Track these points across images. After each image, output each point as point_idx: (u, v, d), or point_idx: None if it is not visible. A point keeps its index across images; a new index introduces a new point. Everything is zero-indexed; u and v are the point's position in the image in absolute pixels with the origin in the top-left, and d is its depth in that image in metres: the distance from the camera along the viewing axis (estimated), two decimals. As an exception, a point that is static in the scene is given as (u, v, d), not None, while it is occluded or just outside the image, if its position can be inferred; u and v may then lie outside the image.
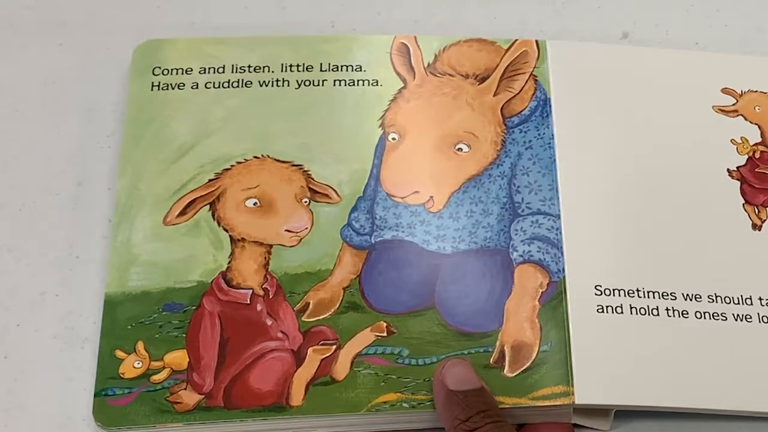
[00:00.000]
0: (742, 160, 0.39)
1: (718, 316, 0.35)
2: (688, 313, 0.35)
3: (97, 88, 0.42)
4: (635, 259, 0.36)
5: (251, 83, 0.40)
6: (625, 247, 0.36)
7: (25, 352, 0.35)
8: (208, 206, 0.36)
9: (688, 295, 0.35)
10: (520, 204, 0.37)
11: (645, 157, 0.39)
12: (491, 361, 0.33)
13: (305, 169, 0.37)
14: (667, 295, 0.35)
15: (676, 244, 0.37)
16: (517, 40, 0.41)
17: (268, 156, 0.38)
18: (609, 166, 0.38)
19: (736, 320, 0.35)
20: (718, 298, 0.35)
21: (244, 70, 0.40)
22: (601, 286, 0.35)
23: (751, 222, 0.38)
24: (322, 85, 0.40)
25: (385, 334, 0.34)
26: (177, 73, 0.39)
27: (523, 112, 0.39)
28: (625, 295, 0.35)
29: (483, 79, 0.40)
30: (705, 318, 0.35)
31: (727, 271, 0.36)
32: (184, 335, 0.33)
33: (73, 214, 0.38)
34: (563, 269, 0.35)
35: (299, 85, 0.40)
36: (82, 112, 0.41)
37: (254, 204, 0.36)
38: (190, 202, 0.36)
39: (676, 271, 0.36)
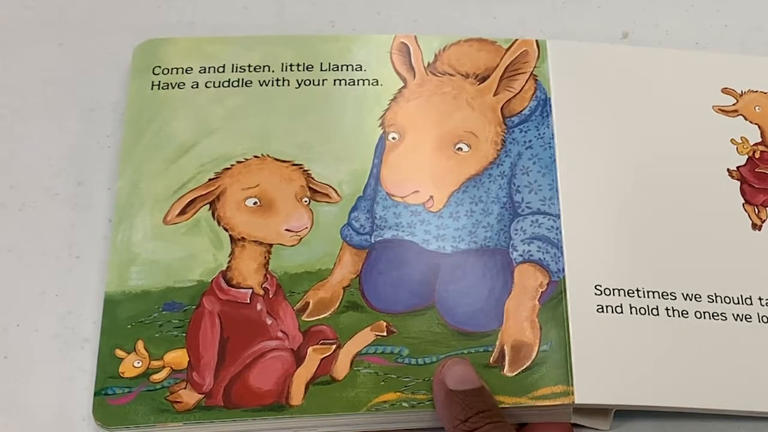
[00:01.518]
0: (742, 160, 0.39)
1: (718, 316, 0.35)
2: (688, 313, 0.35)
3: (97, 88, 0.42)
4: (635, 259, 0.36)
5: (251, 83, 0.40)
6: (625, 247, 0.36)
7: (25, 352, 0.35)
8: (208, 205, 0.36)
9: (688, 295, 0.35)
10: (520, 204, 0.37)
11: (645, 157, 0.39)
12: (491, 361, 0.33)
13: (305, 168, 0.37)
14: (667, 294, 0.35)
15: (676, 243, 0.37)
16: (517, 39, 0.41)
17: (268, 155, 0.38)
18: (609, 165, 0.38)
19: (736, 320, 0.35)
20: (718, 298, 0.35)
21: (245, 70, 0.40)
22: (601, 285, 0.35)
23: (751, 222, 0.38)
24: (322, 84, 0.40)
25: (385, 334, 0.34)
26: (177, 73, 0.39)
27: (523, 112, 0.39)
28: (625, 295, 0.35)
29: (483, 79, 0.40)
30: (705, 318, 0.35)
31: (727, 271, 0.36)
32: (184, 334, 0.33)
33: (73, 214, 0.38)
34: (563, 269, 0.35)
35: (299, 85, 0.40)
36: (82, 112, 0.41)
37: (254, 203, 0.36)
38: (190, 202, 0.36)
39: (676, 271, 0.36)
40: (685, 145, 0.39)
